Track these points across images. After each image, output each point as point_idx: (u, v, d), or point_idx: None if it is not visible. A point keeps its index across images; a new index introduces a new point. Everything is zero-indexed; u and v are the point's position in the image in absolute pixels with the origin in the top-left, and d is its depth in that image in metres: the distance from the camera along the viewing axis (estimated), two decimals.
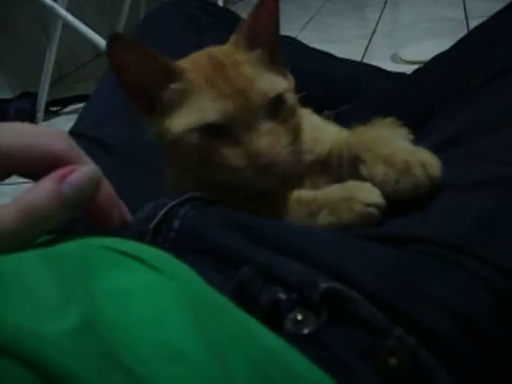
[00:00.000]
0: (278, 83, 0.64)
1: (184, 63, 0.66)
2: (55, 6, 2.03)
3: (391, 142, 0.60)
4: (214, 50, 0.67)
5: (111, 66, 0.62)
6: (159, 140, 0.65)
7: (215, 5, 1.21)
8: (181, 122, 0.62)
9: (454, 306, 0.45)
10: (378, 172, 0.58)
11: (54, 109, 2.32)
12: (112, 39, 0.59)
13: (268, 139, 0.60)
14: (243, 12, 1.23)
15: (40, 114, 2.24)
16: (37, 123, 2.23)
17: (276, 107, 0.63)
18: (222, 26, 1.10)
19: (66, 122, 2.18)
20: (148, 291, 0.38)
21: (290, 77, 0.68)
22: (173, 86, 0.63)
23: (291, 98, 0.65)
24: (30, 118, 2.23)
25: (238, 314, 0.41)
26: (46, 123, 2.23)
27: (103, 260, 0.41)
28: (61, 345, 0.30)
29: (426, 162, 0.56)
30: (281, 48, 0.68)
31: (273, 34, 0.67)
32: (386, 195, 0.57)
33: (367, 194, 0.57)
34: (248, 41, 0.65)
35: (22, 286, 0.35)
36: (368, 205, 0.56)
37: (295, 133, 0.65)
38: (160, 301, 0.37)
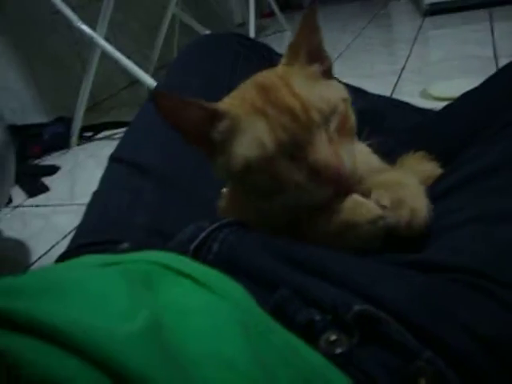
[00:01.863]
0: (330, 96, 0.65)
1: (230, 98, 0.68)
2: (94, 35, 2.09)
3: (403, 184, 0.63)
4: (263, 76, 0.68)
5: (167, 121, 0.64)
6: (225, 177, 0.68)
7: (250, 38, 1.24)
8: (238, 155, 0.63)
9: (481, 330, 0.46)
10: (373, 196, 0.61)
11: (88, 134, 2.38)
12: (154, 97, 0.63)
13: (327, 152, 0.61)
14: (274, 44, 1.27)
15: (74, 139, 2.29)
16: (70, 147, 2.28)
17: (330, 117, 0.63)
18: (257, 58, 1.13)
19: (98, 148, 2.24)
20: (203, 309, 0.41)
21: (342, 86, 0.69)
22: (220, 125, 0.64)
23: (343, 106, 0.66)
24: (64, 142, 2.28)
25: (283, 332, 0.44)
26: (79, 148, 2.29)
27: (163, 278, 0.44)
28: (131, 345, 0.33)
29: (416, 209, 0.59)
30: (330, 60, 0.70)
31: (318, 47, 0.69)
32: None
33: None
34: (298, 58, 0.67)
35: (97, 292, 0.38)
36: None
37: (350, 139, 0.66)
38: (214, 318, 0.40)
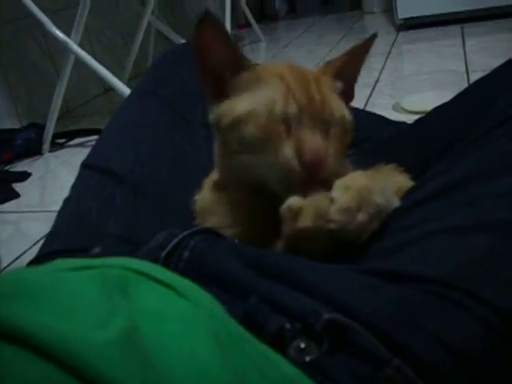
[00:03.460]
0: (343, 110, 0.71)
1: (262, 64, 0.75)
2: (68, 41, 2.08)
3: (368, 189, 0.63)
4: (298, 65, 0.76)
5: (195, 43, 0.69)
6: (220, 124, 0.70)
7: None
8: (247, 105, 0.67)
9: (449, 340, 0.47)
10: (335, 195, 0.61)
11: (60, 141, 2.35)
12: (204, 18, 0.66)
13: (320, 143, 0.65)
14: (250, 54, 1.28)
15: (46, 146, 2.27)
16: (42, 154, 2.26)
17: (335, 125, 0.69)
18: None
19: (70, 155, 2.22)
20: (178, 315, 0.41)
21: (351, 114, 0.74)
22: (244, 74, 0.70)
23: (348, 125, 0.72)
24: (37, 148, 2.26)
25: (255, 341, 0.44)
26: (51, 155, 2.27)
27: (138, 284, 0.44)
28: (105, 354, 0.33)
29: (380, 205, 0.61)
30: (354, 90, 0.79)
31: (353, 73, 0.78)
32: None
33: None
34: (334, 73, 0.74)
35: (72, 297, 0.38)
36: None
37: (340, 155, 0.70)
38: (189, 326, 0.40)
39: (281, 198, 0.64)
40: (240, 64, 0.70)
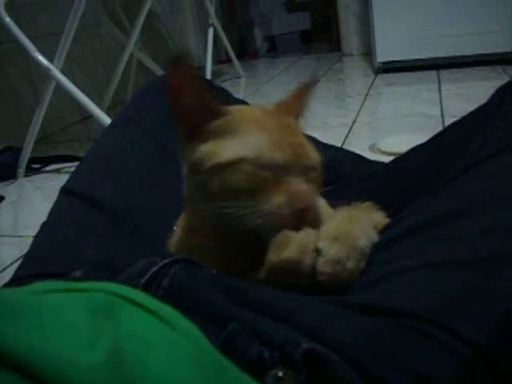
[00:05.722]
0: (317, 152, 0.71)
1: (235, 106, 0.73)
2: (51, 67, 2.08)
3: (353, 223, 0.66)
4: (267, 107, 0.75)
5: (167, 83, 0.67)
6: (199, 167, 0.68)
7: (209, 81, 1.27)
8: (233, 152, 0.65)
9: (423, 372, 0.48)
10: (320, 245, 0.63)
11: (36, 166, 2.34)
12: (176, 60, 0.66)
13: (307, 190, 0.66)
14: (230, 89, 1.30)
15: (21, 170, 2.25)
16: (17, 178, 2.24)
17: (312, 169, 0.69)
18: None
19: (46, 180, 2.21)
20: (162, 341, 0.41)
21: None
22: (217, 122, 0.68)
23: (321, 167, 0.71)
24: (11, 172, 2.24)
25: (238, 371, 0.44)
26: (26, 179, 2.25)
27: (124, 309, 0.44)
28: (92, 376, 0.33)
29: (365, 247, 0.63)
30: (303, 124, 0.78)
31: (301, 115, 0.78)
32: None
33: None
34: (290, 111, 0.74)
35: (58, 319, 0.38)
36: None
37: (317, 195, 0.70)
38: (173, 353, 0.41)
39: (252, 237, 0.65)
40: (212, 110, 0.69)
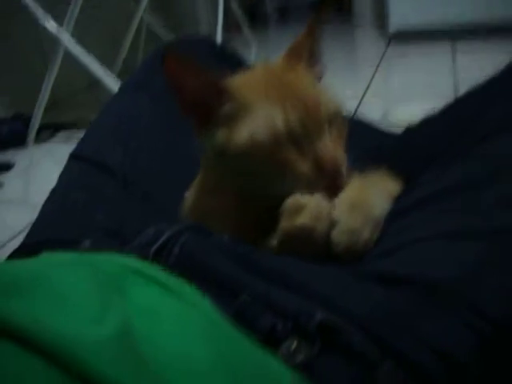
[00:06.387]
0: (335, 99, 0.69)
1: (241, 77, 0.70)
2: (60, 33, 2.06)
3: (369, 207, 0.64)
4: (273, 66, 0.72)
5: (167, 80, 0.65)
6: (220, 153, 0.67)
7: (221, 46, 1.25)
8: (245, 132, 0.64)
9: (439, 345, 0.47)
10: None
11: (46, 133, 2.33)
12: (166, 56, 0.63)
13: (332, 149, 0.64)
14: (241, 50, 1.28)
15: (31, 137, 2.24)
16: (27, 145, 2.24)
17: (333, 120, 0.67)
18: (226, 64, 1.14)
19: (56, 147, 2.21)
20: (173, 314, 0.41)
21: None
22: (228, 104, 0.66)
23: (342, 114, 0.69)
24: (22, 139, 2.24)
25: (249, 342, 0.44)
26: (36, 146, 2.24)
27: (134, 282, 0.44)
28: (99, 350, 0.32)
29: (380, 217, 0.62)
30: (323, 67, 0.75)
31: (316, 53, 0.74)
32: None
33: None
34: (300, 60, 0.71)
35: (66, 292, 0.38)
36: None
37: (345, 150, 0.69)
38: (184, 326, 0.40)
39: (273, 205, 0.64)
40: (219, 93, 0.67)
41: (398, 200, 0.69)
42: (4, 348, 0.31)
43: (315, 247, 0.61)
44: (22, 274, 0.39)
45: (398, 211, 0.65)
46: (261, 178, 0.65)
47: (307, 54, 0.73)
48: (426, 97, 2.15)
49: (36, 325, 0.32)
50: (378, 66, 2.82)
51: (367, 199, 0.64)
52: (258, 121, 0.64)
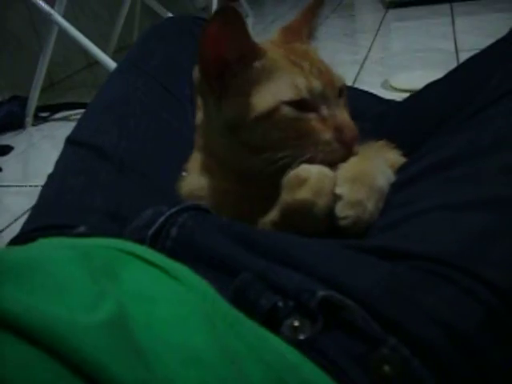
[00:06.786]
0: (340, 75, 0.71)
1: (264, 44, 0.70)
2: (52, 12, 2.03)
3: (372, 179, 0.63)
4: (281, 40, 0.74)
5: (208, 33, 0.63)
6: (240, 122, 0.67)
7: None
8: (269, 97, 0.65)
9: (445, 318, 0.46)
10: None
11: (44, 114, 2.32)
12: (226, 9, 0.61)
13: (349, 118, 0.67)
14: None
15: (29, 119, 2.23)
16: (25, 128, 2.22)
17: (341, 93, 0.70)
18: None
19: (54, 129, 2.19)
20: (170, 298, 0.40)
21: None
22: (256, 63, 0.67)
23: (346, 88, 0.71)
24: (19, 122, 2.22)
25: (250, 323, 0.43)
26: (34, 128, 2.23)
27: (128, 265, 0.43)
28: (92, 338, 0.32)
29: (383, 187, 0.62)
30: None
31: (313, 30, 0.78)
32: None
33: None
34: (300, 36, 0.74)
35: (60, 279, 0.37)
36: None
37: None
38: (181, 309, 0.39)
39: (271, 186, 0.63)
40: (251, 53, 0.66)
41: (400, 171, 0.68)
42: None
43: (315, 223, 0.60)
44: (15, 260, 0.39)
45: (402, 182, 0.64)
46: (279, 148, 0.65)
47: (307, 32, 0.75)
48: (427, 61, 2.12)
49: (28, 312, 0.32)
50: (377, 31, 2.78)
51: (369, 171, 0.63)
52: (283, 85, 0.65)
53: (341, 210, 0.59)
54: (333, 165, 0.64)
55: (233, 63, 0.66)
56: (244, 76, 0.67)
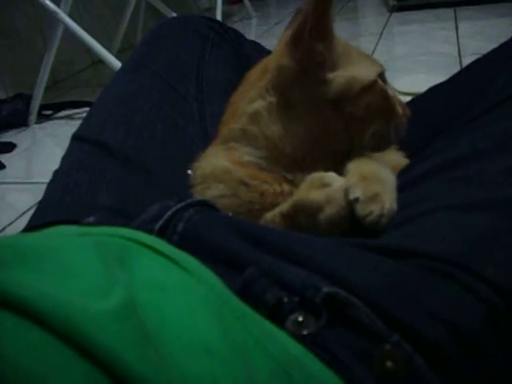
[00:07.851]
0: None
1: None
2: (58, 11, 2.04)
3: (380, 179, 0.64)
4: None
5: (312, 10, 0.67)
6: (347, 93, 0.70)
7: (219, 22, 1.23)
8: (367, 70, 0.72)
9: (448, 317, 0.47)
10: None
11: (47, 113, 2.33)
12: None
13: None
14: (241, 31, 1.26)
15: (32, 117, 2.24)
16: (28, 125, 2.23)
17: None
18: (226, 43, 1.12)
19: (57, 127, 2.20)
20: (180, 288, 0.40)
21: None
22: (337, 48, 0.72)
23: None
24: (23, 120, 2.23)
25: (257, 317, 0.43)
26: (37, 126, 2.24)
27: (139, 254, 0.43)
28: (104, 323, 0.32)
29: (387, 208, 0.60)
30: None
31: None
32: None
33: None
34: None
35: (72, 266, 0.37)
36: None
37: None
38: (190, 300, 0.39)
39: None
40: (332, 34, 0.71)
41: (404, 172, 0.69)
42: (4, 320, 0.31)
43: (316, 227, 0.61)
44: (26, 246, 0.39)
45: (406, 183, 0.65)
46: (373, 121, 0.71)
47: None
48: (430, 65, 2.13)
49: (41, 298, 0.32)
50: (381, 35, 2.79)
51: (374, 168, 0.65)
52: (368, 61, 0.74)
53: (362, 209, 0.60)
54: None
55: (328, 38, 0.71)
56: (336, 52, 0.71)
